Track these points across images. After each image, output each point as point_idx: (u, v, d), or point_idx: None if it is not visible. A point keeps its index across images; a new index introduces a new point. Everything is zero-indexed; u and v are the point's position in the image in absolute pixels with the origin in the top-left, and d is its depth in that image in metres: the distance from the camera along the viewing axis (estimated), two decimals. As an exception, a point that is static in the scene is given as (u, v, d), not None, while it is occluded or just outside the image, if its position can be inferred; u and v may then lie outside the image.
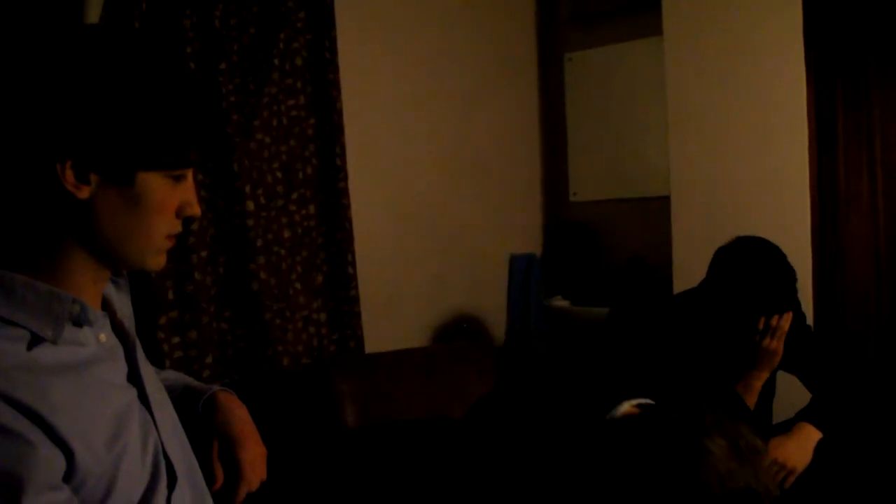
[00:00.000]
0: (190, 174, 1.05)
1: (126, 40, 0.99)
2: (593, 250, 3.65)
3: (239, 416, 1.27)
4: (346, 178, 2.72)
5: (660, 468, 1.39)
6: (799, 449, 1.99)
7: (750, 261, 2.08)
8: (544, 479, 1.86)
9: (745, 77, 2.98)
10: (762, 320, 2.08)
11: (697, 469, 1.35)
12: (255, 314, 2.45)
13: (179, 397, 1.29)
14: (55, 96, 0.93)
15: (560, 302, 3.62)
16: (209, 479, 1.20)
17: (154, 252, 1.05)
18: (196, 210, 1.07)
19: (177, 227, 1.06)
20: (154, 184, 1.00)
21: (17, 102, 0.93)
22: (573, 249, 3.66)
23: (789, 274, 2.08)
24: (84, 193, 0.96)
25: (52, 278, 0.98)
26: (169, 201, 1.02)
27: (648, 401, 1.83)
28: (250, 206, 2.45)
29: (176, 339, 2.27)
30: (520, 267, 3.57)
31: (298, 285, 2.62)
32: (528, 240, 3.74)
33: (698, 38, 3.07)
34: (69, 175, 0.94)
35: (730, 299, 2.09)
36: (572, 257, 3.66)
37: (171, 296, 2.26)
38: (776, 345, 2.09)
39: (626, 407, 1.79)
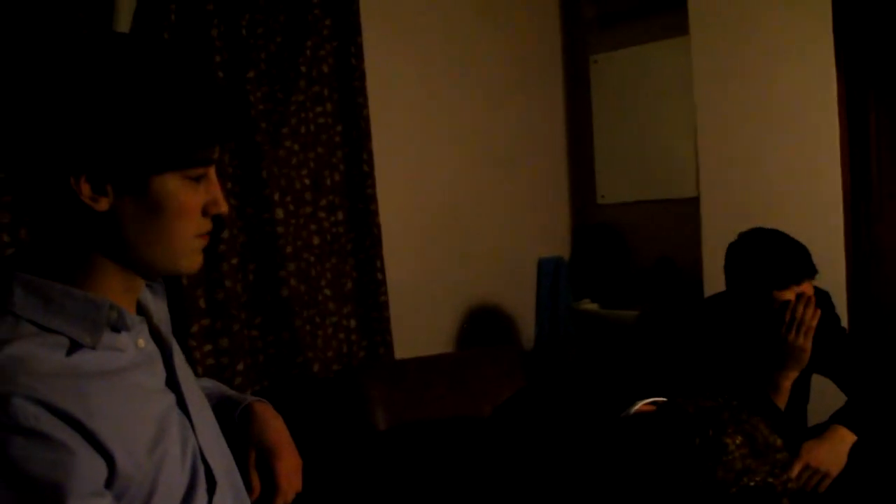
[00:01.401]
0: (212, 172, 1.04)
1: (122, 45, 0.98)
2: (621, 253, 3.63)
3: (275, 426, 1.28)
4: (373, 185, 2.72)
5: (676, 465, 1.38)
6: (832, 452, 1.96)
7: (752, 238, 2.11)
8: (563, 477, 1.85)
9: (775, 75, 2.95)
10: (788, 313, 2.03)
11: (715, 466, 1.33)
12: (285, 321, 2.46)
13: (216, 407, 1.29)
14: (62, 112, 0.92)
15: (589, 305, 3.61)
16: (246, 489, 1.21)
17: (185, 254, 1.04)
18: (223, 207, 1.06)
19: (206, 225, 1.06)
20: (172, 187, 0.99)
21: (26, 121, 0.94)
22: (601, 252, 3.65)
23: (795, 243, 2.07)
24: (103, 205, 0.96)
25: (85, 286, 0.99)
26: (191, 202, 1.02)
27: (663, 399, 1.81)
28: (279, 213, 2.46)
29: (208, 347, 2.28)
30: (548, 270, 3.56)
31: (328, 292, 2.63)
32: (556, 243, 3.73)
33: (725, 36, 3.04)
34: (85, 189, 0.94)
35: (744, 279, 2.10)
36: (600, 260, 3.65)
37: (202, 304, 2.27)
38: (802, 341, 2.02)
39: (641, 405, 1.77)
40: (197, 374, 2.17)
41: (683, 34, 3.22)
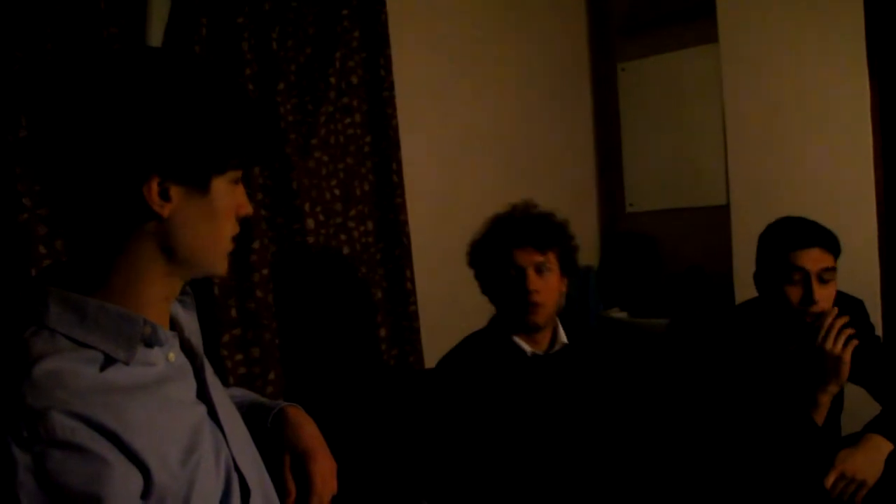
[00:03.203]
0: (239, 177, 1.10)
1: (185, 58, 1.04)
2: (651, 261, 3.62)
3: (308, 430, 1.29)
4: (403, 194, 2.74)
5: None
6: (868, 461, 1.94)
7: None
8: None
9: (805, 81, 2.93)
10: (824, 323, 2.00)
11: None
12: (315, 331, 2.48)
13: (247, 413, 1.30)
14: (134, 119, 0.96)
15: (618, 313, 3.59)
16: (281, 493, 1.22)
17: (224, 256, 1.10)
18: (249, 209, 1.12)
19: (237, 228, 1.11)
20: (223, 189, 1.05)
21: (97, 130, 0.96)
22: (630, 260, 3.64)
23: (817, 224, 2.07)
24: (166, 211, 0.99)
25: (123, 297, 1.01)
26: (231, 205, 1.08)
27: None
28: (310, 223, 2.48)
29: (239, 357, 2.30)
30: (577, 279, 3.55)
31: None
32: (585, 252, 3.69)
33: (755, 43, 3.03)
34: (154, 193, 0.97)
35: (765, 248, 2.12)
36: (629, 268, 3.63)
37: (233, 314, 2.29)
38: (839, 349, 1.98)
39: None
40: (228, 384, 2.20)
41: (712, 42, 3.21)
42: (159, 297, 1.05)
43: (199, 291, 2.25)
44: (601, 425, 2.06)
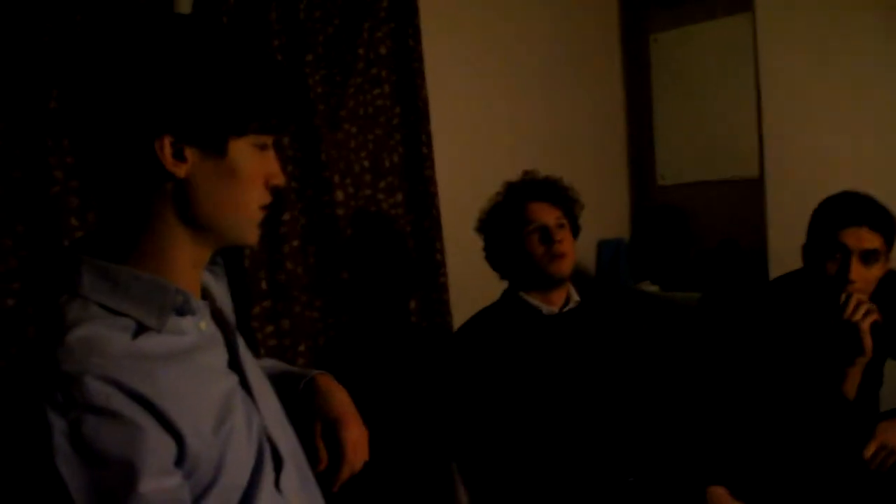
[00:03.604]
0: (270, 144, 1.08)
1: (208, 22, 1.03)
2: (683, 234, 3.57)
3: (339, 398, 1.28)
4: (432, 166, 2.72)
5: None
6: None
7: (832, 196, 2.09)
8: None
9: (842, 50, 2.86)
10: (843, 296, 1.96)
11: None
12: (345, 303, 2.48)
13: (278, 382, 1.30)
14: (148, 76, 0.95)
15: (649, 287, 3.55)
16: (313, 460, 1.22)
17: (252, 224, 1.08)
18: (281, 179, 1.10)
19: (267, 197, 1.09)
20: (245, 152, 1.03)
21: (112, 86, 0.96)
22: (662, 233, 3.59)
23: (872, 199, 2.03)
24: (182, 171, 0.98)
25: (154, 265, 1.01)
26: (258, 171, 1.05)
27: None
28: (339, 195, 2.47)
29: (269, 329, 2.30)
30: (608, 252, 3.52)
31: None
32: (616, 225, 3.69)
33: (791, 11, 2.96)
34: (168, 153, 0.96)
35: (813, 224, 2.08)
36: (661, 241, 3.59)
37: (264, 286, 2.30)
38: (858, 318, 1.92)
39: None
40: (258, 356, 2.21)
41: (746, 11, 3.14)
42: (188, 264, 1.04)
43: (230, 263, 2.26)
44: (618, 379, 2.10)
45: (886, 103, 2.79)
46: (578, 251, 3.47)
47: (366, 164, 2.60)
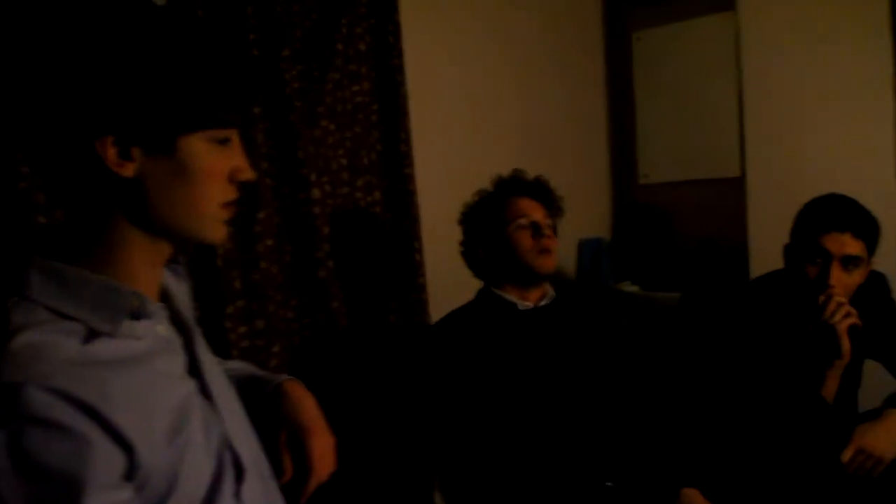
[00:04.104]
0: (235, 137, 1.03)
1: (147, 8, 0.96)
2: (664, 234, 3.55)
3: (306, 405, 1.24)
4: (411, 164, 2.68)
5: None
6: (886, 435, 1.88)
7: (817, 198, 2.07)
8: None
9: (826, 51, 2.86)
10: (822, 298, 1.95)
11: None
12: (321, 303, 2.44)
13: (245, 387, 1.26)
14: (84, 72, 0.90)
15: (630, 287, 3.53)
16: (278, 470, 1.18)
17: (211, 222, 1.02)
18: (249, 174, 1.04)
19: (231, 193, 1.04)
20: (198, 149, 0.97)
21: (48, 84, 0.91)
22: (643, 233, 3.58)
23: (856, 203, 2.01)
24: (128, 171, 0.93)
25: (108, 267, 0.96)
26: (217, 167, 1.00)
27: None
28: (316, 193, 2.43)
29: (243, 329, 2.26)
30: (588, 252, 3.50)
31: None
32: (597, 224, 3.66)
33: (774, 11, 2.95)
34: (111, 153, 0.92)
35: (796, 227, 2.06)
36: (642, 241, 3.57)
37: (237, 285, 2.25)
38: (836, 321, 1.92)
39: None
40: (231, 357, 2.17)
41: (730, 10, 3.13)
42: (144, 264, 1.00)
43: (203, 261, 2.22)
44: (593, 376, 2.07)
45: (868, 103, 2.78)
46: (559, 250, 3.46)
47: (344, 161, 2.56)
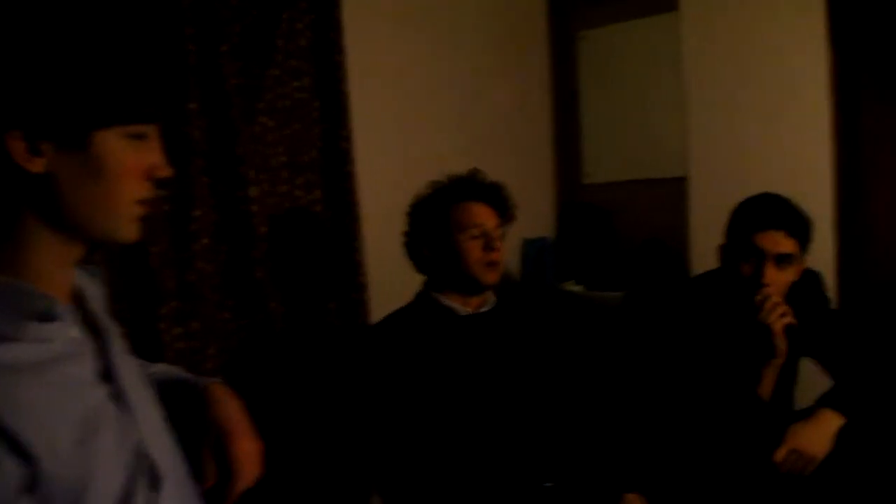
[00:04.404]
0: (153, 133, 0.99)
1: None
2: (608, 233, 3.56)
3: (231, 408, 1.20)
4: (352, 162, 2.65)
5: None
6: (818, 435, 1.91)
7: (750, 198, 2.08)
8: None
9: (766, 52, 2.89)
10: (758, 297, 1.97)
11: None
12: (259, 304, 2.39)
13: (170, 391, 1.22)
14: None
15: (574, 286, 3.54)
16: (201, 476, 1.14)
17: (125, 220, 0.99)
18: (166, 170, 1.01)
19: (147, 191, 1.00)
20: (112, 145, 0.94)
21: None
22: (587, 233, 3.58)
23: (789, 203, 2.03)
24: (38, 167, 0.90)
25: (13, 266, 0.92)
26: (132, 163, 0.97)
27: None
28: (254, 191, 2.38)
29: (178, 330, 2.20)
30: (532, 251, 3.49)
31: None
32: (541, 223, 3.66)
33: (715, 11, 2.98)
34: (19, 148, 0.88)
35: (730, 226, 2.06)
36: (586, 241, 3.57)
37: (172, 285, 2.20)
38: (771, 321, 1.95)
39: None
40: (166, 359, 2.11)
41: (671, 10, 3.15)
42: (54, 264, 0.96)
43: (135, 260, 2.15)
44: (533, 381, 2.05)
45: (806, 103, 2.82)
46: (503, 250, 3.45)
47: (283, 159, 2.52)
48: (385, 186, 2.87)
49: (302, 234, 2.54)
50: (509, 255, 3.48)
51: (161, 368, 1.33)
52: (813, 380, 2.22)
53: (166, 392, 1.19)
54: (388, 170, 2.91)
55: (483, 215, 2.05)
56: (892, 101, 2.71)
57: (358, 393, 1.97)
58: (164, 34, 2.14)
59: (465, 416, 1.93)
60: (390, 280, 2.86)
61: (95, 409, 0.95)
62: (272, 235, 2.43)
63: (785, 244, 1.96)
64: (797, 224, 1.99)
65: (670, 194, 3.30)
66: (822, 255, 2.72)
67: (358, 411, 1.97)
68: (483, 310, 2.09)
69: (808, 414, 1.96)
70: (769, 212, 1.99)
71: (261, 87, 2.45)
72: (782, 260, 1.96)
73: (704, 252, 2.70)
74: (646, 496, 1.94)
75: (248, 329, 2.38)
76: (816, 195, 2.77)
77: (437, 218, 2.08)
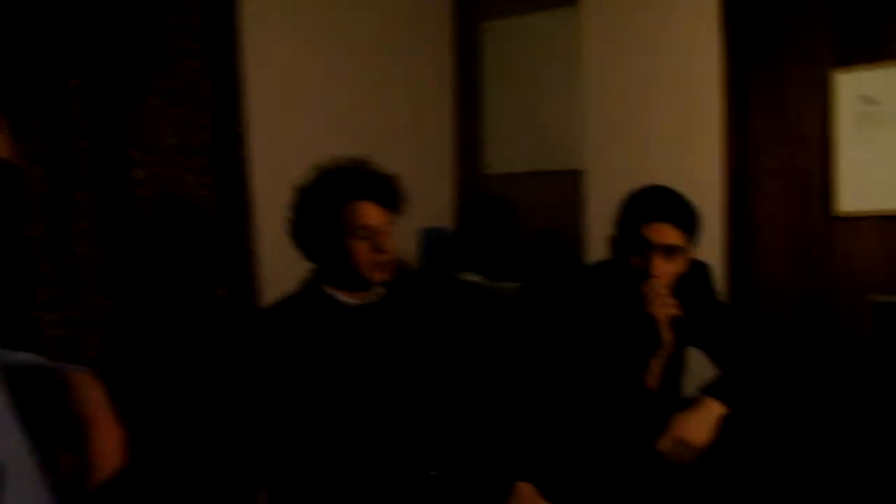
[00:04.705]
0: None
1: None
2: (507, 224, 3.57)
3: (92, 396, 1.14)
4: (246, 147, 2.58)
5: None
6: (700, 424, 1.93)
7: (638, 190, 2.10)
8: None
9: (661, 50, 2.96)
10: (645, 289, 1.99)
11: None
12: (143, 290, 2.30)
13: (27, 379, 1.15)
14: None
15: (473, 277, 3.53)
16: (57, 467, 1.07)
17: None
18: (3, 151, 0.95)
19: None
20: None
21: None
22: (487, 223, 3.58)
23: (677, 195, 2.05)
24: None
25: None
26: None
27: None
28: (139, 174, 2.30)
29: (55, 317, 2.11)
30: (430, 242, 3.48)
31: (194, 259, 2.48)
32: (440, 213, 3.65)
33: (615, 7, 3.02)
34: None
35: (619, 218, 2.08)
36: (486, 231, 3.58)
37: (48, 270, 2.09)
38: (657, 312, 1.99)
39: None
40: (42, 347, 2.01)
41: (573, 4, 3.17)
42: None
43: (8, 243, 2.05)
44: (419, 371, 2.02)
45: (703, 100, 2.89)
46: (400, 239, 3.42)
47: (172, 141, 2.44)
48: (281, 173, 2.79)
49: (188, 219, 2.46)
50: (408, 243, 3.46)
51: (21, 357, 1.25)
52: (706, 370, 2.27)
53: (23, 381, 1.12)
54: (284, 156, 2.84)
55: (370, 215, 1.96)
56: (780, 100, 2.79)
57: (238, 382, 1.91)
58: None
59: (347, 406, 1.89)
60: (284, 268, 2.81)
61: None
62: (157, 219, 2.35)
63: (672, 236, 1.99)
64: (684, 216, 2.02)
65: (568, 186, 3.33)
66: (713, 250, 2.79)
67: (239, 401, 1.92)
68: (370, 301, 2.04)
69: (692, 403, 2.00)
70: (657, 204, 2.02)
71: (150, 66, 2.36)
72: (670, 251, 1.99)
73: (599, 244, 2.73)
74: (537, 485, 1.94)
75: (130, 317, 2.30)
76: (707, 189, 2.84)
77: (322, 218, 1.98)
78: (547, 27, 3.50)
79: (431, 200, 3.60)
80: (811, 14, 2.71)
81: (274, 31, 2.83)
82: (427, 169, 3.59)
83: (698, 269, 2.19)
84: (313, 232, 2.01)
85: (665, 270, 1.99)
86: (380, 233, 1.97)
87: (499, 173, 3.67)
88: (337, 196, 1.97)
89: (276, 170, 2.77)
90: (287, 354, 1.89)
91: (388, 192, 2.02)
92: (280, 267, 2.76)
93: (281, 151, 2.83)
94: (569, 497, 1.95)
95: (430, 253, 3.47)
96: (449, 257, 3.51)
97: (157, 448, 2.17)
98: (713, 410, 1.94)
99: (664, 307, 1.99)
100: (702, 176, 2.86)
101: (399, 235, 3.22)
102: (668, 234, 1.98)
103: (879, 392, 2.40)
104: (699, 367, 2.28)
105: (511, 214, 3.58)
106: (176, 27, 2.42)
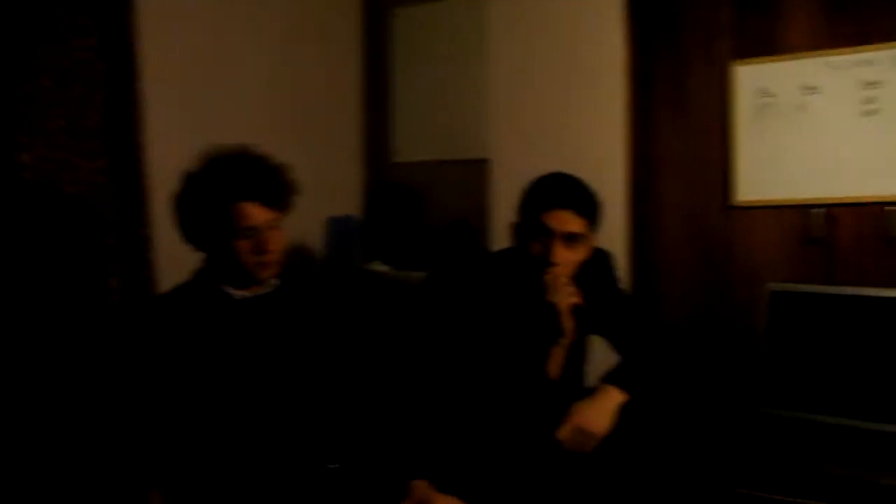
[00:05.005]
0: None
1: None
2: (416, 213, 3.54)
3: None
4: (142, 131, 2.48)
5: None
6: (600, 412, 1.94)
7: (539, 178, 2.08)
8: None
9: (565, 38, 2.97)
10: (546, 277, 1.99)
11: None
12: (27, 280, 2.19)
13: None
14: None
15: (380, 267, 3.50)
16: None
17: None
18: None
19: None
20: None
21: None
22: (395, 212, 3.55)
23: (573, 181, 2.06)
24: None
25: None
26: None
27: None
28: (26, 157, 2.19)
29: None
30: (338, 230, 3.43)
31: (86, 248, 2.37)
32: (347, 201, 3.60)
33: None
34: None
35: (520, 206, 2.06)
36: (394, 220, 3.54)
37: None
38: (558, 301, 1.99)
39: None
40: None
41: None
42: None
43: None
44: (312, 363, 1.99)
45: (607, 90, 2.92)
46: (306, 228, 3.36)
47: (62, 123, 2.32)
48: (178, 159, 2.70)
49: (80, 206, 2.35)
50: (314, 232, 3.41)
51: None
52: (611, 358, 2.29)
53: None
54: (182, 141, 2.73)
55: (253, 216, 1.87)
56: (683, 91, 2.84)
57: (124, 377, 1.85)
58: None
59: (229, 399, 1.85)
60: (182, 256, 2.72)
61: None
62: (47, 205, 2.24)
63: (573, 223, 1.99)
64: (586, 203, 2.02)
65: (475, 175, 3.32)
66: (616, 239, 2.82)
67: (126, 394, 1.85)
68: (261, 293, 1.99)
69: (592, 391, 2.01)
70: (557, 191, 2.02)
71: (38, 42, 2.24)
72: (571, 239, 1.99)
73: (505, 233, 2.73)
74: (433, 482, 1.92)
75: (12, 308, 2.18)
76: (611, 177, 2.88)
77: (205, 216, 1.90)
78: (455, 14, 3.48)
79: (339, 189, 3.55)
80: (713, 7, 2.77)
81: (173, 8, 2.72)
82: (335, 157, 3.54)
83: (600, 257, 2.21)
84: (197, 228, 1.93)
85: (566, 258, 1.99)
86: (264, 232, 1.89)
87: (407, 161, 3.64)
88: (220, 196, 1.88)
89: (173, 155, 2.65)
90: (171, 347, 1.84)
91: (273, 190, 1.93)
92: (178, 255, 2.68)
93: (179, 136, 2.72)
94: (469, 488, 1.94)
95: (338, 241, 3.42)
96: (357, 246, 3.46)
97: (43, 444, 2.08)
98: (613, 398, 1.96)
99: (565, 296, 2.00)
100: (605, 165, 2.89)
101: (306, 223, 3.19)
102: (568, 222, 1.98)
103: (773, 378, 2.46)
104: (604, 356, 2.30)
105: (419, 203, 3.55)
106: (65, 2, 2.30)
